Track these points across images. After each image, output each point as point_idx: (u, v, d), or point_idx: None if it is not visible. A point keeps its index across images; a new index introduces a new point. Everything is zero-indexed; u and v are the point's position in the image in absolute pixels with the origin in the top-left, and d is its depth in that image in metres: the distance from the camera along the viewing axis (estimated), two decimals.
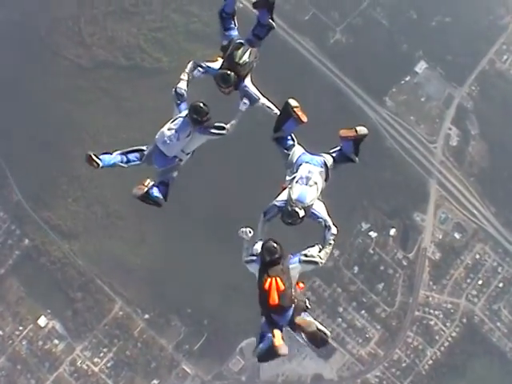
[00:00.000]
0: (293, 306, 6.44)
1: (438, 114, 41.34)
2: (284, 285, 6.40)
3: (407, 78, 41.30)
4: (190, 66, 7.90)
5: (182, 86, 7.81)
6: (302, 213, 6.65)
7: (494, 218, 41.78)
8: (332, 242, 6.97)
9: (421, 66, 41.30)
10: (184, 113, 7.51)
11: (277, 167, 7.81)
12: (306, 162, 7.13)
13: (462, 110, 41.87)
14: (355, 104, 40.64)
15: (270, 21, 7.91)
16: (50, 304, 40.80)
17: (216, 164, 36.86)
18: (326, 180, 7.14)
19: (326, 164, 7.21)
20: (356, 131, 7.01)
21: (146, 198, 7.50)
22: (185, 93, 7.76)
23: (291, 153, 7.13)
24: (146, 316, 40.78)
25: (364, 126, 7.04)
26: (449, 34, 41.90)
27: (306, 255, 6.70)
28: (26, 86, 40.89)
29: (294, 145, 7.31)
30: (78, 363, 40.55)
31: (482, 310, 41.59)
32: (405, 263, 40.72)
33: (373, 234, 40.38)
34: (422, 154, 41.00)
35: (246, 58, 7.61)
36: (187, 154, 7.60)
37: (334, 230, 6.97)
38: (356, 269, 40.30)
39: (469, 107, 41.96)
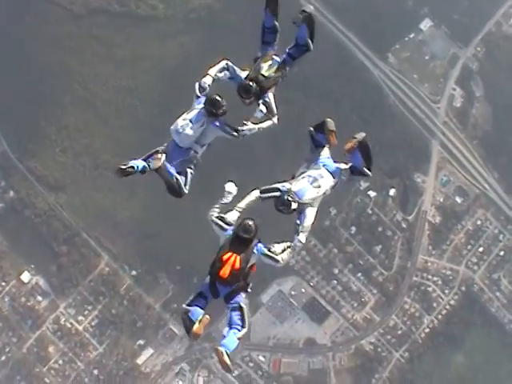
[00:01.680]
0: (237, 285, 6.69)
1: (442, 73, 40.84)
2: (240, 265, 6.65)
3: (411, 35, 40.87)
4: (221, 65, 7.79)
5: (208, 80, 7.58)
6: (294, 206, 6.88)
7: (496, 184, 41.31)
8: (296, 248, 7.04)
9: (426, 24, 40.85)
10: (200, 105, 7.42)
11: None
12: (324, 165, 7.34)
13: (467, 71, 41.49)
14: (357, 59, 40.10)
15: (309, 41, 8.12)
16: (34, 259, 40.01)
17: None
18: (333, 188, 7.42)
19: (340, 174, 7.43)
20: (355, 138, 7.09)
21: (165, 173, 7.36)
22: (208, 88, 7.57)
23: (318, 151, 7.39)
24: (134, 272, 40.07)
25: (362, 132, 7.06)
26: None
27: (269, 250, 6.80)
28: (16, 33, 40.22)
29: (324, 146, 7.52)
30: (62, 321, 39.76)
31: (482, 279, 41.14)
32: (404, 225, 40.18)
33: (372, 194, 39.82)
34: (424, 114, 40.38)
35: (271, 72, 7.74)
36: (202, 145, 7.58)
37: (303, 239, 7.01)
38: (353, 229, 39.72)
39: (474, 68, 41.56)
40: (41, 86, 39.76)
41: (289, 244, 6.93)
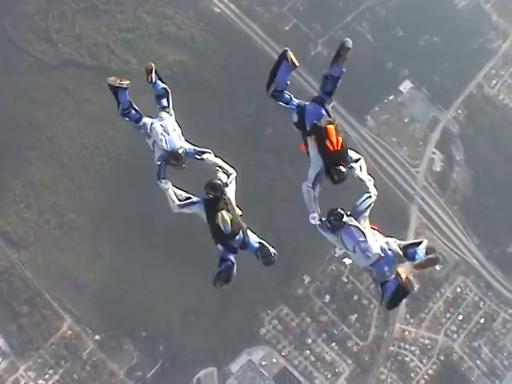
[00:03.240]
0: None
1: (421, 136, 40.29)
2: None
3: (391, 97, 40.42)
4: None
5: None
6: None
7: (477, 250, 40.57)
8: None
9: (405, 86, 40.44)
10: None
11: None
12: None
13: (447, 134, 41.05)
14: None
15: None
16: None
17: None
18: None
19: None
20: (407, 278, 6.99)
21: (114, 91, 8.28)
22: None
23: None
24: (97, 337, 38.60)
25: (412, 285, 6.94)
26: (436, 54, 41.33)
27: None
28: None
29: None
30: None
31: (462, 347, 40.24)
32: None
33: (347, 261, 38.96)
34: (403, 178, 39.59)
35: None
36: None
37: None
38: (327, 297, 38.67)
39: (454, 132, 41.18)
40: (6, 137, 38.75)
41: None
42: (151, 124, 8.13)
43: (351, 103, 39.21)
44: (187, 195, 7.50)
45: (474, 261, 40.25)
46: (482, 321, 40.29)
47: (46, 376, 37.90)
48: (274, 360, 38.26)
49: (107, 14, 39.57)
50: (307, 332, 38.35)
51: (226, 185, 7.35)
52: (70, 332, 38.27)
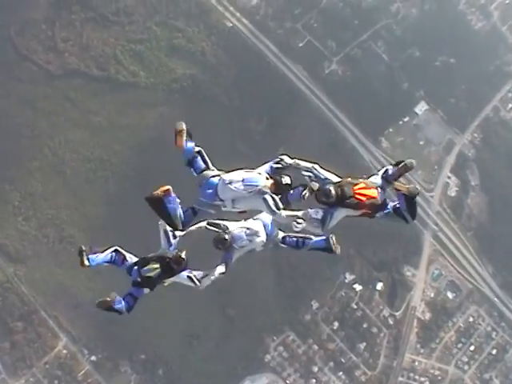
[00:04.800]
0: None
1: (436, 160, 38.83)
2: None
3: (406, 119, 39.01)
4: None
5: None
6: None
7: (490, 279, 39.02)
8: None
9: (421, 107, 39.08)
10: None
11: None
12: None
13: (463, 159, 39.62)
14: (348, 142, 38.04)
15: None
16: None
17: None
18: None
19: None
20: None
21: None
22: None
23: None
24: (93, 358, 36.79)
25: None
26: (453, 75, 39.99)
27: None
28: None
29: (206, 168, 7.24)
30: None
31: (472, 379, 38.45)
32: (391, 322, 37.50)
33: (357, 287, 37.34)
34: (417, 203, 37.66)
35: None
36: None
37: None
38: (336, 324, 36.96)
39: (470, 156, 39.71)
40: (8, 147, 37.17)
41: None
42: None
43: (365, 124, 37.97)
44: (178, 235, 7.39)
45: (488, 289, 38.61)
46: (493, 352, 38.47)
47: None
48: None
49: (116, 24, 38.00)
50: (314, 360, 36.45)
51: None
52: (65, 351, 36.57)
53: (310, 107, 37.61)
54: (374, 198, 6.66)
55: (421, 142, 38.83)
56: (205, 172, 7.02)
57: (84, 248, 7.26)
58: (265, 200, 6.74)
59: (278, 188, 6.73)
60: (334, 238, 7.17)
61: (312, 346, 36.68)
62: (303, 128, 36.88)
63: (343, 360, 36.77)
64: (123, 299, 7.62)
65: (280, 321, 36.06)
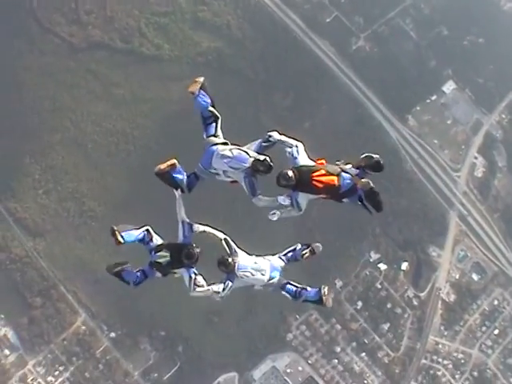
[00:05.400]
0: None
1: (464, 140, 38.02)
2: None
3: (433, 97, 38.28)
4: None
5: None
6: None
7: None
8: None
9: (449, 86, 38.33)
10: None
11: None
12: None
13: (490, 139, 38.82)
14: (375, 119, 37.17)
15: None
16: (4, 308, 35.97)
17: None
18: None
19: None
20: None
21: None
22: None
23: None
24: (112, 334, 36.10)
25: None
26: (481, 55, 39.19)
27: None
28: (8, 60, 37.11)
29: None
30: (29, 380, 35.72)
31: (496, 364, 37.66)
32: (415, 303, 36.69)
33: (382, 267, 36.51)
34: (443, 182, 37.30)
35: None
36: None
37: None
38: (360, 304, 36.14)
39: (498, 136, 38.97)
40: (29, 119, 36.60)
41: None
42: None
43: (392, 101, 37.17)
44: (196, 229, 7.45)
45: None
46: None
47: (56, 373, 35.62)
48: (300, 368, 35.60)
49: None
50: (336, 340, 35.70)
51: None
52: (84, 328, 35.93)
53: (336, 83, 36.82)
54: (332, 185, 6.82)
55: (448, 121, 38.03)
56: (211, 138, 7.21)
57: (115, 228, 7.61)
58: (245, 183, 7.00)
59: (257, 165, 6.83)
60: (325, 289, 7.32)
61: (335, 326, 35.95)
62: (329, 104, 36.11)
63: (366, 341, 36.01)
64: (135, 272, 7.85)
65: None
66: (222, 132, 7.18)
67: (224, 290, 7.32)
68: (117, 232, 7.57)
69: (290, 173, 6.74)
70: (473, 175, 37.96)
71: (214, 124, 7.25)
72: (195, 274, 7.32)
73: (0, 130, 36.18)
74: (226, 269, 7.22)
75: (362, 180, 6.76)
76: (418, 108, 37.68)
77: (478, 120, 38.52)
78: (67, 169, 36.30)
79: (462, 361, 37.08)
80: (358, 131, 35.53)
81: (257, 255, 7.42)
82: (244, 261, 7.33)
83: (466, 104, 38.33)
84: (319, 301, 7.37)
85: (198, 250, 7.13)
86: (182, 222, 7.42)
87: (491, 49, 39.07)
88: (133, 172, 35.76)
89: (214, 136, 7.21)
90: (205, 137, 7.23)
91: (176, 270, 7.45)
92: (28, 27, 37.62)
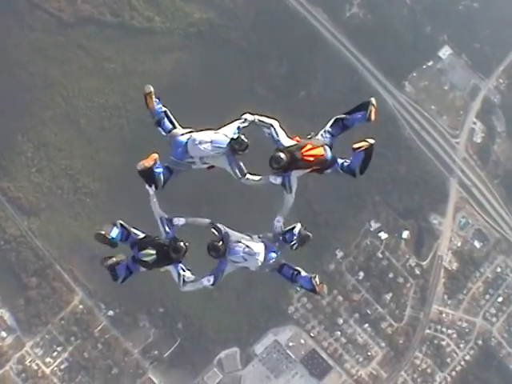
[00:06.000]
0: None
1: (462, 105, 37.31)
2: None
3: (429, 63, 37.59)
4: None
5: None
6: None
7: None
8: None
9: (445, 52, 37.63)
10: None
11: None
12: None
13: (488, 104, 38.17)
14: (371, 86, 36.51)
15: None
16: (0, 289, 35.17)
17: None
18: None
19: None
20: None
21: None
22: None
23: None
24: (111, 312, 35.41)
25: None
26: (476, 20, 38.61)
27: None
28: None
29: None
30: (27, 362, 35.06)
31: (500, 332, 37.08)
32: (417, 272, 35.96)
33: (383, 236, 35.73)
34: (442, 149, 36.59)
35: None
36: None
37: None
38: (361, 274, 35.49)
39: (496, 101, 38.30)
40: (20, 96, 35.70)
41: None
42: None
43: (388, 68, 36.38)
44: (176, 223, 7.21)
45: None
46: None
47: (54, 353, 34.98)
48: (302, 341, 34.83)
49: None
50: (338, 311, 34.93)
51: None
52: (81, 306, 35.19)
53: (331, 51, 35.96)
54: (321, 156, 7.00)
55: (445, 87, 37.23)
56: (173, 131, 7.15)
57: (103, 232, 7.13)
58: (231, 165, 6.97)
59: (234, 144, 6.84)
60: (316, 279, 7.16)
61: (337, 297, 35.16)
62: (325, 72, 35.30)
63: (369, 311, 35.26)
64: (118, 267, 7.40)
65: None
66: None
67: (216, 280, 7.13)
68: (105, 234, 7.15)
69: (282, 155, 6.84)
70: (472, 141, 37.19)
71: (166, 119, 7.27)
72: (183, 270, 7.16)
73: None
74: (217, 253, 6.96)
75: (368, 140, 6.88)
76: (415, 74, 36.87)
77: (475, 85, 37.73)
78: (60, 145, 35.42)
79: (467, 330, 36.42)
80: (355, 99, 34.63)
81: (250, 234, 7.15)
82: (235, 245, 7.04)
83: (463, 69, 37.55)
84: (313, 290, 7.19)
85: (185, 243, 6.91)
86: (161, 218, 7.20)
87: (486, 13, 38.32)
88: (127, 146, 34.88)
89: (174, 128, 7.22)
90: (164, 133, 7.18)
91: (163, 268, 7.20)
92: (16, 3, 36.70)
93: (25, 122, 35.47)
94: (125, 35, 36.10)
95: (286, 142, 7.07)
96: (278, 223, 7.21)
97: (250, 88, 34.88)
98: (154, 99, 7.23)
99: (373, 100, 7.06)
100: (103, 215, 35.24)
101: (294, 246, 7.20)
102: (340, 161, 7.21)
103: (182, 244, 6.86)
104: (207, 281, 7.12)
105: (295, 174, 7.06)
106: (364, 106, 7.13)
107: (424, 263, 35.82)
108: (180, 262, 7.08)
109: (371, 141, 6.85)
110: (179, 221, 7.16)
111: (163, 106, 7.22)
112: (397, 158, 35.16)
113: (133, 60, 35.67)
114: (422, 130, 36.33)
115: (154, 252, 7.02)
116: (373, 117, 7.01)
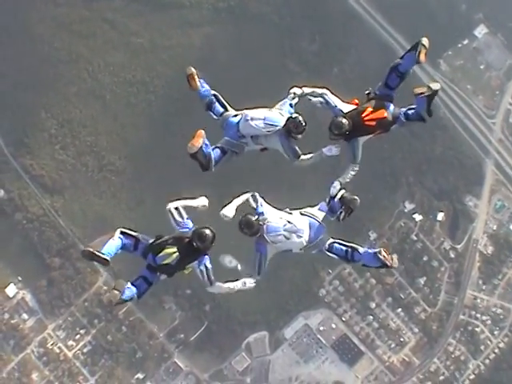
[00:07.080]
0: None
1: (498, 85, 35.96)
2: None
3: (465, 42, 36.19)
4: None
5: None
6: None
7: None
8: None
9: (480, 31, 36.25)
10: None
11: None
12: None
13: None
14: None
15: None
16: (22, 270, 34.00)
17: None
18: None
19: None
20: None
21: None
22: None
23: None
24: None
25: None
26: None
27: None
28: (21, 12, 34.83)
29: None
30: (49, 345, 33.93)
31: None
32: (452, 255, 34.55)
33: (417, 217, 34.30)
34: (478, 129, 35.19)
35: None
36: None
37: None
38: (395, 257, 33.24)
39: None
40: (44, 72, 34.40)
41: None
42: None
43: None
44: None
45: None
46: None
47: (77, 336, 33.84)
48: (334, 325, 33.45)
49: None
50: (371, 295, 33.51)
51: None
52: (105, 288, 33.62)
53: (364, 27, 34.60)
54: (383, 118, 6.63)
55: (481, 66, 35.82)
56: (225, 113, 6.82)
57: (91, 250, 5.98)
58: (284, 146, 6.58)
59: (290, 124, 6.43)
60: (383, 253, 6.51)
61: (369, 280, 33.75)
62: (358, 48, 33.95)
63: (402, 296, 33.83)
64: (133, 284, 6.62)
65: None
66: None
67: (260, 271, 6.29)
68: (95, 252, 5.93)
69: (344, 120, 6.43)
70: (508, 122, 35.72)
71: (217, 103, 6.84)
72: (208, 266, 6.27)
73: (14, 84, 34.16)
74: (250, 230, 6.00)
75: (431, 84, 6.47)
76: (450, 52, 35.45)
77: (511, 65, 36.45)
78: (85, 122, 34.07)
79: (501, 316, 34.94)
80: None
81: (289, 211, 6.32)
82: (275, 220, 6.12)
83: (499, 49, 36.14)
84: (383, 266, 6.48)
85: (211, 229, 6.01)
86: (170, 211, 6.34)
87: None
88: (154, 122, 33.62)
89: (226, 111, 6.85)
90: (216, 117, 6.82)
91: (189, 265, 6.31)
92: None
93: (48, 98, 34.14)
94: (152, 9, 34.74)
95: (344, 107, 6.69)
96: (334, 189, 6.61)
97: (282, 64, 33.52)
98: (197, 80, 6.66)
99: (423, 40, 6.49)
100: (129, 193, 33.98)
101: (342, 215, 6.53)
102: (403, 110, 6.80)
103: (208, 230, 5.93)
104: (250, 281, 6.39)
105: (360, 141, 6.72)
106: (414, 48, 6.60)
107: (459, 246, 34.38)
108: (206, 254, 6.19)
109: (435, 86, 6.41)
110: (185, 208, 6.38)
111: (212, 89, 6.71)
112: (432, 137, 33.79)
113: (160, 35, 34.36)
114: (458, 110, 34.91)
115: (174, 250, 6.12)
116: (422, 57, 6.50)
